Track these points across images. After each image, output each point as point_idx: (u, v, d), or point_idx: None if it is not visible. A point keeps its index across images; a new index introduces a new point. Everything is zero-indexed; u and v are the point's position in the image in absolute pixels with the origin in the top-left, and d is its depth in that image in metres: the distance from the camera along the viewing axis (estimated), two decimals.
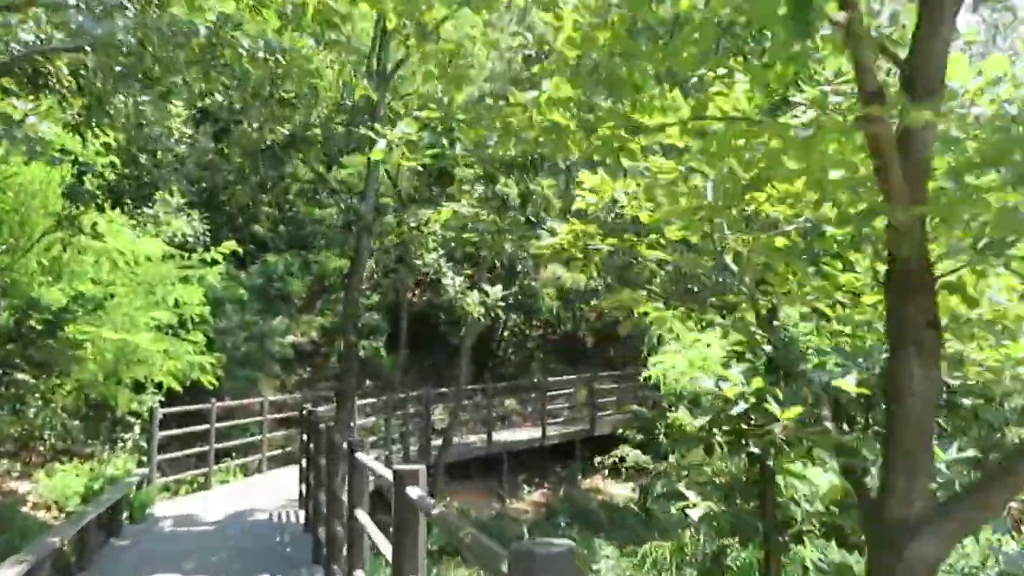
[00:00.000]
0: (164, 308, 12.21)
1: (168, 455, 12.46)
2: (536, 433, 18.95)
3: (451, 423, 14.06)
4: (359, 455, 4.54)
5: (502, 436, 18.36)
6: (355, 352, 9.56)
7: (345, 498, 4.86)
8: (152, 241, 11.44)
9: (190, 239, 14.16)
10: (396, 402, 15.74)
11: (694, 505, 4.47)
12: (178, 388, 12.99)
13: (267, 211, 20.98)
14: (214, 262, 12.51)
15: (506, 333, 23.48)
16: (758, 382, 4.61)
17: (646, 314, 9.73)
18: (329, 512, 6.06)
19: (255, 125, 8.01)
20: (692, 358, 9.14)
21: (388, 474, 3.86)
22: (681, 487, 4.63)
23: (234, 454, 14.27)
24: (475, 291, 9.11)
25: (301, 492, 10.56)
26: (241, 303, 16.19)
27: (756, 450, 4.53)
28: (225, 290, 15.64)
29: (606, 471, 19.75)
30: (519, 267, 18.76)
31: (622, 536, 17.09)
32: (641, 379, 19.77)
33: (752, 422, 4.61)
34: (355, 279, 9.07)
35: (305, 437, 10.28)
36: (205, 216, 15.90)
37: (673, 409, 14.37)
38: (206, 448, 12.64)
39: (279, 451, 15.08)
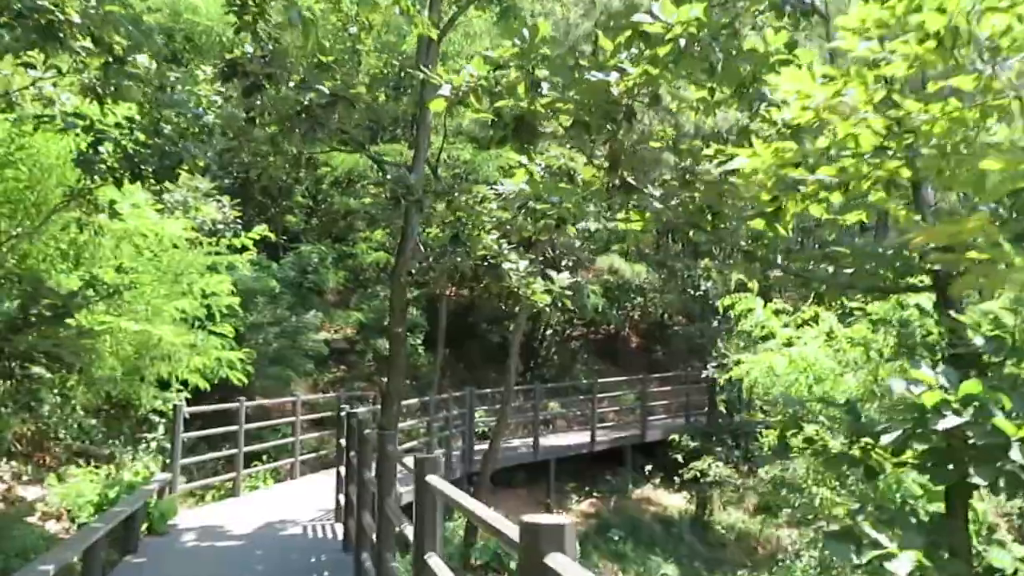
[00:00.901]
0: (191, 298, 11.22)
1: (194, 458, 11.45)
2: (584, 438, 17.73)
3: (498, 427, 12.90)
4: (435, 481, 3.39)
5: (548, 441, 17.17)
6: (404, 346, 8.42)
7: (409, 532, 3.71)
8: (177, 223, 10.42)
9: (220, 227, 13.16)
10: (437, 404, 14.63)
11: (892, 555, 3.23)
12: (205, 386, 12.04)
13: (300, 201, 20.01)
14: (244, 248, 11.50)
15: (548, 332, 22.27)
16: (974, 387, 3.37)
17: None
18: (380, 541, 4.91)
19: (290, 83, 6.92)
20: (794, 358, 7.88)
21: (473, 507, 2.81)
22: (867, 527, 3.38)
23: (264, 457, 13.24)
24: (539, 278, 7.96)
25: (338, 502, 9.46)
26: (273, 296, 15.17)
27: (981, 481, 3.27)
28: (256, 281, 14.64)
29: (658, 480, 18.47)
30: (565, 260, 17.53)
31: (681, 553, 15.83)
32: (702, 381, 18.52)
33: (967, 440, 3.37)
34: (402, 261, 7.93)
35: (343, 442, 9.17)
36: (236, 203, 14.93)
37: (761, 414, 13.00)
38: (235, 451, 11.60)
39: (312, 454, 14.04)
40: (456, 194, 7.72)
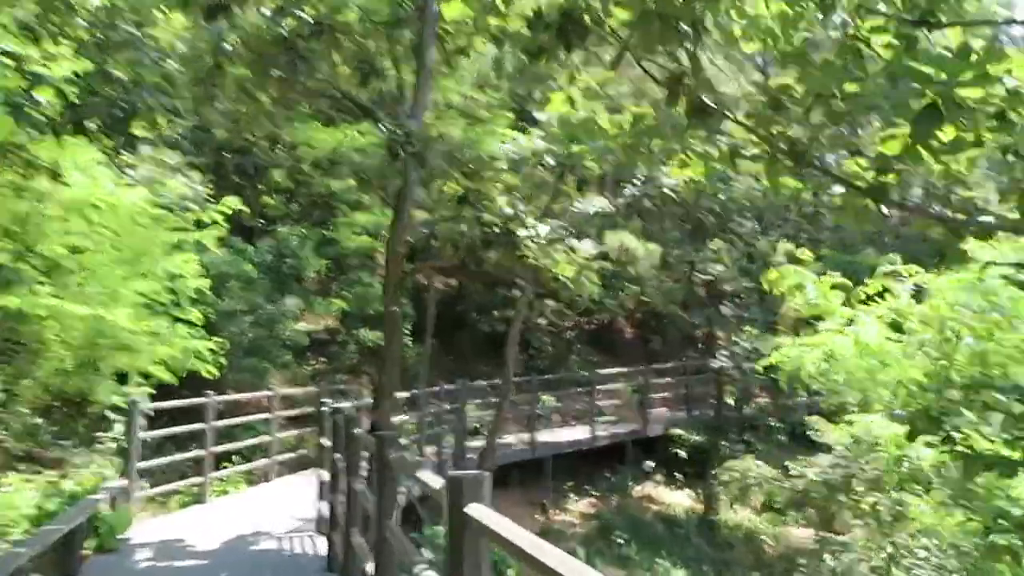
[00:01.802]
0: (153, 280, 9.95)
1: (156, 461, 10.21)
2: (582, 434, 16.65)
3: (496, 423, 11.78)
4: (481, 512, 2.25)
5: (544, 437, 16.04)
6: (399, 330, 7.25)
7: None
8: (135, 191, 9.15)
9: (189, 204, 11.86)
10: (427, 399, 13.47)
11: None
12: (171, 379, 10.79)
13: (279, 182, 18.69)
14: (213, 224, 10.25)
15: (542, 322, 21.14)
16: None
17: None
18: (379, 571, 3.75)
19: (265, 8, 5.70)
20: (862, 339, 6.78)
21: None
22: None
23: (236, 458, 11.99)
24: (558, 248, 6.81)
25: (320, 512, 8.27)
26: (248, 281, 13.91)
27: None
28: (229, 265, 13.38)
29: (659, 476, 17.43)
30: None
31: (688, 555, 14.78)
32: (709, 371, 17.32)
33: None
34: (400, 228, 6.75)
35: (326, 442, 7.99)
36: (208, 180, 13.63)
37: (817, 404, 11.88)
38: (202, 452, 10.36)
39: (290, 454, 12.82)
40: (464, 150, 6.59)
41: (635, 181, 14.76)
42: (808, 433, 17.63)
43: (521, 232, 6.38)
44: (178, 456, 10.68)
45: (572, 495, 15.76)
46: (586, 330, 23.36)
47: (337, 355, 17.57)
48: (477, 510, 2.35)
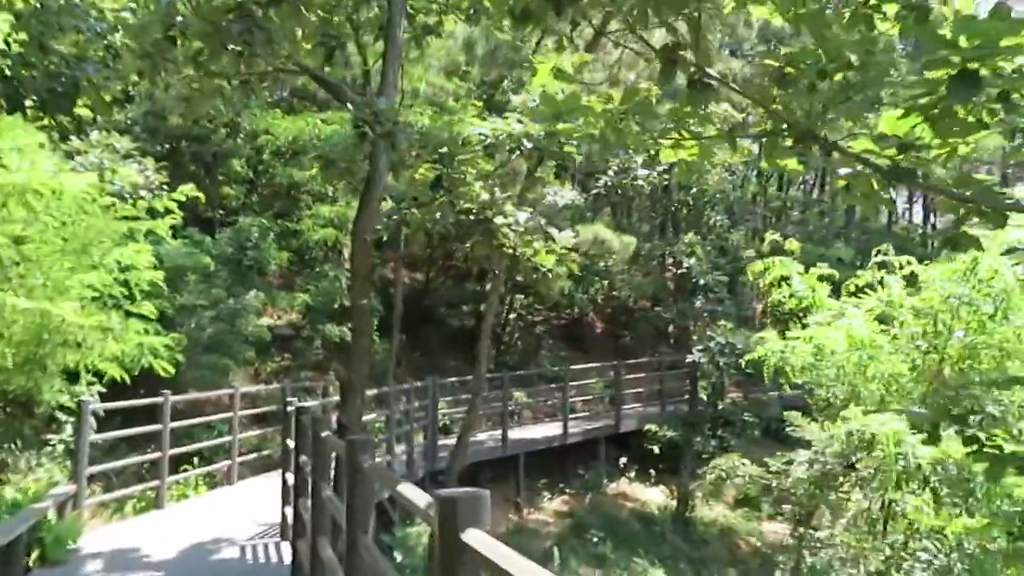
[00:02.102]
0: (103, 272, 9.35)
1: (107, 464, 9.63)
2: (554, 430, 16.30)
3: (469, 419, 11.35)
4: (481, 540, 1.82)
5: (516, 434, 15.66)
6: (368, 323, 6.78)
7: None
8: (80, 177, 8.54)
9: (142, 192, 11.23)
10: (397, 396, 13.00)
11: None
12: (124, 377, 10.19)
13: (239, 171, 18.04)
14: (167, 212, 9.67)
15: (512, 316, 20.76)
16: None
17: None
18: None
19: None
20: (855, 333, 6.48)
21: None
22: None
23: (196, 460, 11.41)
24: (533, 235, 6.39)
25: (285, 518, 7.78)
26: (207, 275, 13.28)
27: None
28: (187, 257, 12.75)
29: (633, 473, 17.15)
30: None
31: (664, 553, 14.52)
32: (683, 366, 17.02)
33: None
34: (367, 215, 6.26)
35: (291, 443, 7.50)
36: (162, 167, 12.98)
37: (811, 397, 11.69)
38: (158, 455, 9.78)
39: (253, 455, 12.26)
40: (434, 135, 6.14)
41: (609, 172, 14.43)
42: (783, 429, 17.57)
43: (498, 220, 5.96)
44: (133, 459, 10.10)
45: (545, 493, 15.41)
46: (556, 325, 23.04)
47: (301, 351, 16.99)
48: (476, 538, 1.93)
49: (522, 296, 21.13)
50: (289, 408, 7.78)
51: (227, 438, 11.45)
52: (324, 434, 4.67)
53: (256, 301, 13.67)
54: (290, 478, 7.47)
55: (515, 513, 14.66)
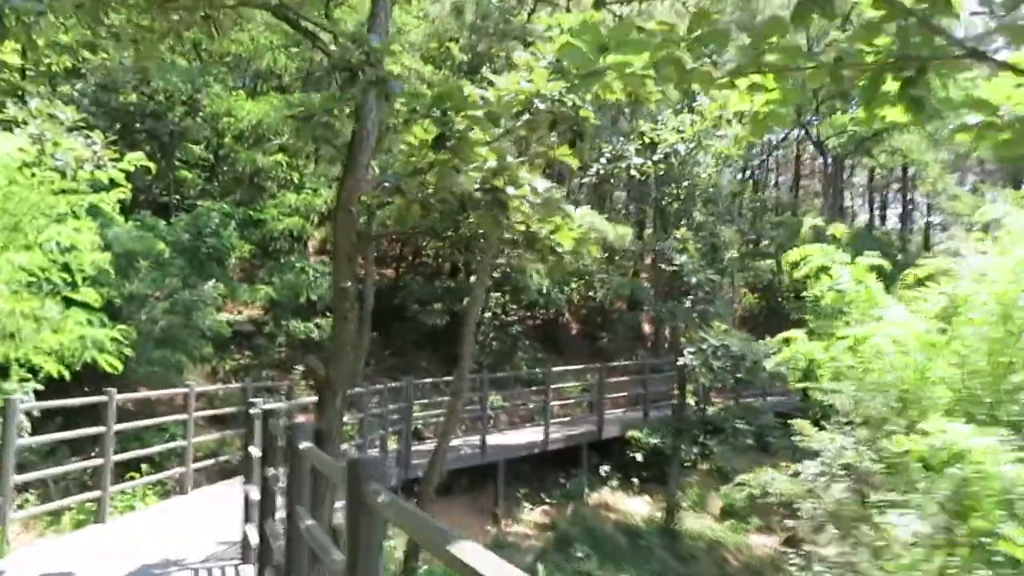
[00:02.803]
0: (36, 253, 8.18)
1: (39, 472, 8.44)
2: (534, 436, 15.35)
3: (448, 424, 10.34)
4: None
5: (494, 440, 14.67)
6: (352, 311, 5.74)
7: None
8: (10, 140, 7.39)
9: (86, 166, 10.03)
10: (369, 398, 11.94)
11: None
12: (64, 373, 9.04)
13: (198, 152, 16.80)
14: (113, 185, 8.54)
15: (487, 315, 19.76)
16: None
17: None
18: None
19: None
20: (920, 335, 5.63)
21: None
22: None
23: (145, 466, 10.23)
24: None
25: (247, 537, 6.71)
26: (159, 262, 12.07)
27: None
28: (138, 241, 11.55)
29: (615, 482, 16.28)
30: None
31: (652, 568, 13.64)
32: (670, 369, 16.17)
33: None
34: (353, 182, 5.21)
35: (255, 451, 6.44)
36: (111, 142, 11.75)
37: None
38: (100, 461, 8.60)
39: (210, 460, 11.10)
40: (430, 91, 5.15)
41: (601, 160, 13.58)
42: (765, 437, 16.84)
43: (510, 190, 5.01)
44: (68, 466, 8.90)
45: (526, 503, 14.44)
46: (531, 326, 22.10)
47: (263, 349, 15.82)
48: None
49: (498, 294, 20.17)
50: (253, 410, 6.72)
51: (181, 442, 10.28)
52: (303, 445, 3.66)
53: (215, 292, 12.48)
54: (253, 492, 6.41)
55: (493, 524, 13.68)
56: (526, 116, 5.44)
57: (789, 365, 7.48)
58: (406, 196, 5.23)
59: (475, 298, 10.46)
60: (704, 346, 13.07)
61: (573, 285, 22.57)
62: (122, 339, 10.05)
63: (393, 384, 12.68)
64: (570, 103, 5.49)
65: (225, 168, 18.12)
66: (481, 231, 5.54)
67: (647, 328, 25.25)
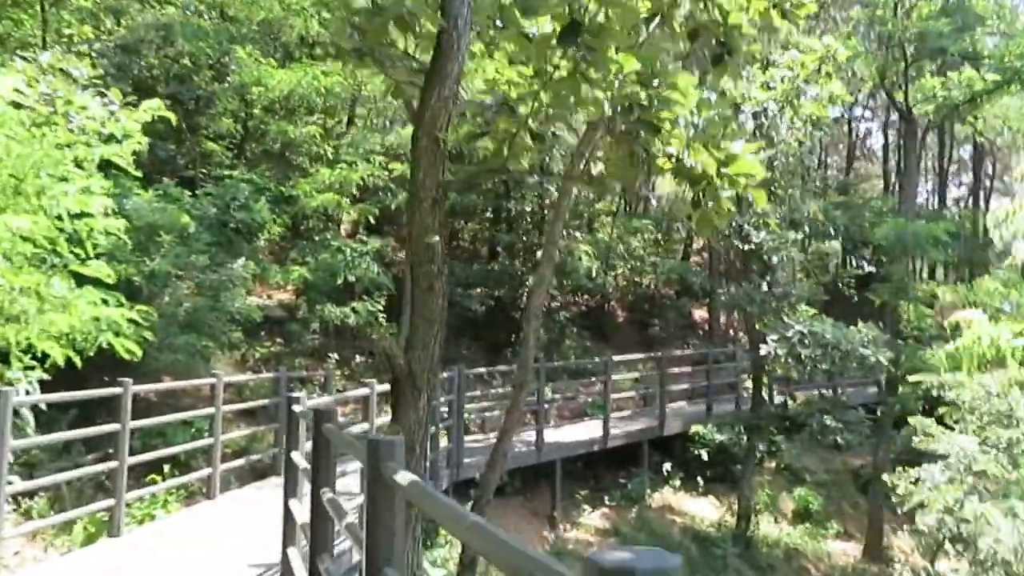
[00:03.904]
0: (41, 216, 6.93)
1: (41, 479, 7.22)
2: (594, 432, 13.96)
3: (510, 419, 9.00)
4: None
5: (549, 436, 13.29)
6: (440, 276, 4.35)
7: None
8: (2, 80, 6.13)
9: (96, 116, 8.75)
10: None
11: None
12: (75, 360, 7.81)
13: (227, 123, 15.57)
14: (126, 138, 7.27)
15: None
16: None
17: None
18: None
19: None
20: None
21: None
22: None
23: (168, 468, 9.01)
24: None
25: (288, 560, 5.40)
26: (184, 237, 10.84)
27: None
28: (158, 214, 10.31)
29: (677, 482, 14.89)
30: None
31: None
32: (758, 358, 14.57)
33: None
34: (437, 103, 3.79)
35: (299, 459, 5.13)
36: (128, 103, 10.50)
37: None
38: (115, 464, 7.36)
39: (240, 461, 9.84)
40: None
41: None
42: (828, 432, 15.33)
43: (665, 113, 3.63)
44: (76, 472, 7.68)
45: (585, 506, 13.09)
46: (576, 312, 20.69)
47: (296, 335, 14.58)
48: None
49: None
50: (297, 407, 5.41)
51: (208, 439, 9.03)
52: (401, 477, 2.31)
53: (245, 272, 11.23)
54: (298, 509, 5.11)
55: (550, 530, 12.37)
56: (656, 22, 4.04)
57: (971, 352, 6.06)
58: (519, 121, 3.83)
59: (540, 279, 9.08)
60: (789, 333, 11.59)
61: (619, 269, 21.13)
62: (141, 321, 8.83)
63: (444, 374, 11.32)
64: (715, 8, 4.10)
65: (254, 143, 16.89)
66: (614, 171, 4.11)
67: (698, 315, 23.77)
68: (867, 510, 15.82)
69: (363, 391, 7.31)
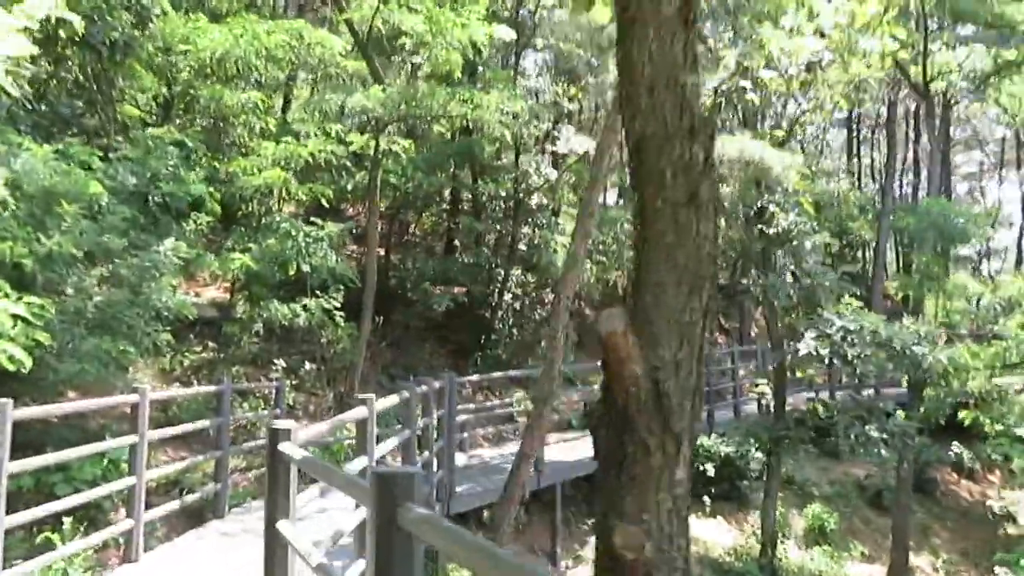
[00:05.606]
0: None
1: None
2: (585, 449, 11.93)
3: (531, 439, 6.95)
4: None
5: (548, 455, 11.21)
6: (706, 178, 2.26)
7: None
8: None
9: None
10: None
11: None
12: None
13: (149, 84, 13.00)
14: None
15: (507, 297, 16.32)
16: None
17: None
18: None
19: None
20: None
21: None
22: None
23: (70, 523, 6.52)
24: None
25: None
26: (94, 212, 8.34)
27: None
28: (61, 178, 7.81)
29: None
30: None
31: None
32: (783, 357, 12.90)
33: None
34: None
35: (287, 531, 2.90)
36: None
37: None
38: None
39: (173, 503, 7.40)
40: None
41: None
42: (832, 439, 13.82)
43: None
44: None
45: (588, 537, 11.07)
46: (552, 311, 18.65)
47: (233, 338, 12.11)
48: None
49: (517, 271, 16.75)
50: (286, 449, 3.19)
51: (128, 480, 6.57)
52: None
53: (175, 256, 8.77)
54: None
55: (552, 568, 10.31)
56: None
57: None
58: None
59: (574, 257, 7.05)
60: (831, 330, 9.87)
61: (596, 260, 19.22)
62: (34, 320, 6.41)
63: (437, 385, 9.06)
64: None
65: (182, 109, 14.28)
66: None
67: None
68: (880, 527, 14.34)
69: (359, 412, 5.11)
